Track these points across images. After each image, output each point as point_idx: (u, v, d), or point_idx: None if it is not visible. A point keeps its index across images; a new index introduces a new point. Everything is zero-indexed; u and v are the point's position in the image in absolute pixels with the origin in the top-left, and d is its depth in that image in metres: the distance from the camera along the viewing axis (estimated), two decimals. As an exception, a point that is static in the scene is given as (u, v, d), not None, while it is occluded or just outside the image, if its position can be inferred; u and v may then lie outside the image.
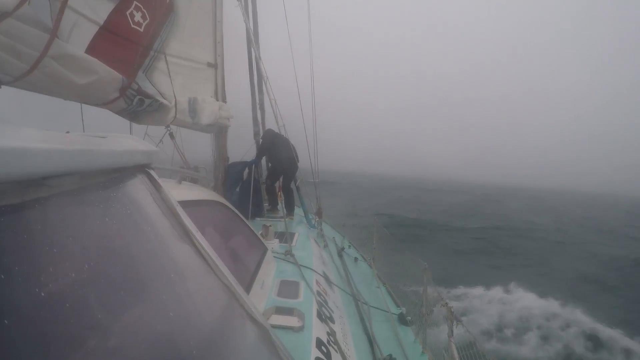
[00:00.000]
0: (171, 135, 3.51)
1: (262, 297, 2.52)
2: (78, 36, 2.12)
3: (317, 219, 6.04)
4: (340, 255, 5.06)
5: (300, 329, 2.15)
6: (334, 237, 6.00)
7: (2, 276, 0.45)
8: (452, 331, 2.77)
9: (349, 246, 5.92)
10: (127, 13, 2.58)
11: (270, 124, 6.31)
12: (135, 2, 2.60)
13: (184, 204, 1.23)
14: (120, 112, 2.53)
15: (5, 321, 0.44)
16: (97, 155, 0.72)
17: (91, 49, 2.22)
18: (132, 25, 2.62)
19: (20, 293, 0.49)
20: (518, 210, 37.73)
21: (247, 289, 2.29)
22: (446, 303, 2.92)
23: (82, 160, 0.66)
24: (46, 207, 0.58)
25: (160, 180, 1.06)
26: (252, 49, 5.70)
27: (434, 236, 18.53)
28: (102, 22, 2.32)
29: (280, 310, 2.31)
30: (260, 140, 6.30)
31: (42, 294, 0.52)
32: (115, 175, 0.85)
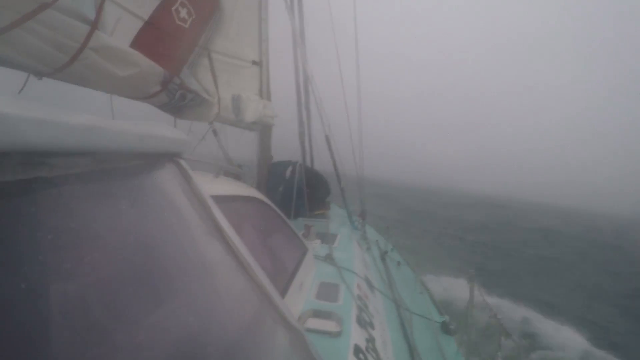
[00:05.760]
0: (214, 132, 3.53)
1: (300, 298, 2.43)
2: (122, 30, 2.14)
3: (361, 221, 5.89)
4: (383, 259, 4.88)
5: (338, 334, 2.04)
6: (377, 240, 5.82)
7: None
8: (499, 345, 2.55)
9: (392, 250, 5.72)
10: (173, 9, 2.60)
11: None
12: None
13: (219, 198, 1.16)
14: (162, 107, 2.55)
15: None
16: (113, 136, 0.63)
17: (135, 43, 2.25)
18: (178, 22, 2.64)
19: (5, 289, 0.41)
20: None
21: (285, 289, 2.21)
22: (495, 314, 2.71)
23: (94, 139, 0.57)
24: (47, 190, 0.50)
25: (191, 172, 0.98)
26: (298, 49, 5.67)
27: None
28: (146, 17, 2.34)
29: (318, 314, 2.22)
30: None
31: (35, 292, 0.44)
32: (139, 162, 0.77)
